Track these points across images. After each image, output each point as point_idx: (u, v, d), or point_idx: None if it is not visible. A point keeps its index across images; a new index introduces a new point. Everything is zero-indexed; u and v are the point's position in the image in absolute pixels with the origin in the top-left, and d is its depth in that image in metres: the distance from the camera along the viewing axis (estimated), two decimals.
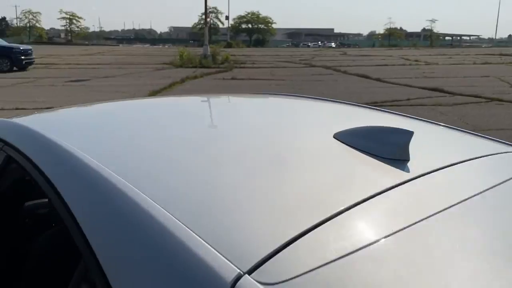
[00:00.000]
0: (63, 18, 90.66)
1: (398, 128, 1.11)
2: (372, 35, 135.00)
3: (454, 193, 0.96)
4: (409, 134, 1.05)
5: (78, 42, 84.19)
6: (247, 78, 17.74)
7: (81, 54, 37.70)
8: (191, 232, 0.73)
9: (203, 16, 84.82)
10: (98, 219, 0.83)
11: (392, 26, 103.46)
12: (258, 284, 0.62)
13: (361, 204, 0.84)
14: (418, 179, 0.97)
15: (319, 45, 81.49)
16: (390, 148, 1.05)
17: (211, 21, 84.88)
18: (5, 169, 1.28)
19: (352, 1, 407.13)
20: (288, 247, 0.70)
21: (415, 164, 1.03)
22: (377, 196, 0.88)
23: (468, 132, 1.52)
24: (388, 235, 0.75)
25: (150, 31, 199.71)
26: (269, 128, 1.42)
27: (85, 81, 16.61)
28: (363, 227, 0.82)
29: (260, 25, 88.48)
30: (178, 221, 0.75)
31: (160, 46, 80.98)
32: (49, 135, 1.15)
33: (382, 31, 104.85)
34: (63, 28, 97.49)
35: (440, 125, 1.60)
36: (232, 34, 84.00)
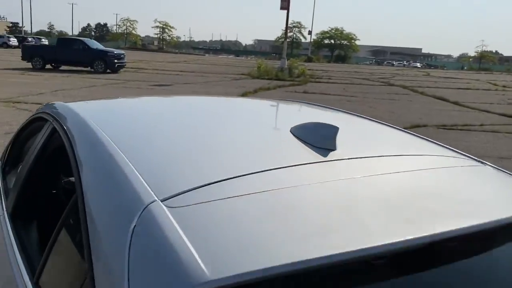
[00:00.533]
0: (157, 26, 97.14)
1: (329, 124, 1.42)
2: (462, 57, 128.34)
3: (354, 172, 1.25)
4: (336, 129, 1.36)
5: (168, 50, 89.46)
6: (318, 93, 17.96)
7: (169, 61, 40.14)
8: (130, 163, 1.14)
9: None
10: (96, 184, 1.21)
11: (485, 49, 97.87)
12: (165, 208, 0.96)
13: (273, 170, 1.17)
14: (333, 162, 1.28)
15: (404, 65, 79.21)
16: (321, 139, 1.37)
17: (294, 35, 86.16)
18: (49, 139, 1.76)
19: (443, 21, 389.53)
20: (200, 188, 1.05)
21: (338, 153, 1.33)
22: (291, 167, 1.21)
23: (413, 134, 1.79)
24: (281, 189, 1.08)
25: (236, 43, 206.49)
26: (243, 118, 1.82)
27: (167, 86, 17.86)
28: (269, 182, 1.14)
29: (343, 41, 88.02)
30: (124, 157, 1.18)
31: (243, 58, 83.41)
32: (85, 116, 1.60)
33: (473, 54, 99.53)
34: (156, 36, 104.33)
35: (387, 125, 1.87)
36: (314, 49, 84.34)
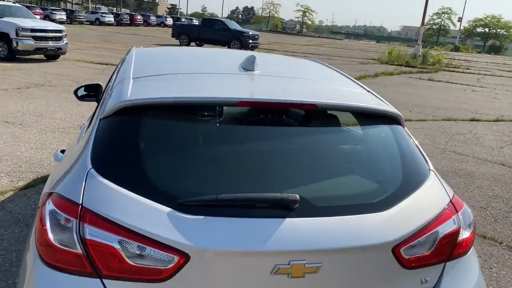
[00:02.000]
0: (298, 10, 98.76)
1: (245, 54, 2.15)
2: None
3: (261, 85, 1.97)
4: (253, 57, 2.07)
5: (307, 34, 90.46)
6: (444, 81, 17.15)
7: (303, 44, 41.05)
8: (132, 70, 2.00)
9: (433, 16, 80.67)
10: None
11: None
12: (132, 80, 1.83)
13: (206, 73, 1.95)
14: (244, 73, 2.01)
15: None
16: (246, 63, 2.10)
17: (442, 22, 79.91)
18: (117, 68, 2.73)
19: None
20: (159, 75, 1.89)
21: (255, 71, 2.06)
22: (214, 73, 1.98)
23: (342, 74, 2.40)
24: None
25: (380, 29, 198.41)
26: (229, 57, 2.61)
27: None
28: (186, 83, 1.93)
29: (499, 30, 78.94)
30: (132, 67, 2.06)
31: (385, 44, 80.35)
32: (138, 51, 2.53)
33: None
34: (296, 20, 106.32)
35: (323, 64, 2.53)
36: (463, 37, 77.40)
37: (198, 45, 26.85)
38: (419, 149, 1.92)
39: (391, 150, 1.87)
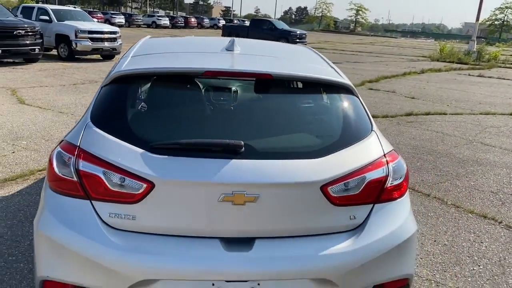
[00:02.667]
0: (351, 9, 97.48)
1: (233, 38, 2.50)
2: None
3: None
4: (233, 40, 2.45)
5: (360, 32, 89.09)
6: (495, 77, 16.61)
7: (353, 42, 40.68)
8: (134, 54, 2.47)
9: (495, 11, 76.52)
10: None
11: None
12: (130, 58, 2.28)
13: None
14: (225, 52, 2.41)
15: None
16: (229, 45, 2.49)
17: (505, 17, 75.79)
18: None
19: None
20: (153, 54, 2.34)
21: (236, 52, 2.44)
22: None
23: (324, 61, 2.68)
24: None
25: (439, 26, 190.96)
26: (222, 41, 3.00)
27: (334, 64, 18.88)
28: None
29: None
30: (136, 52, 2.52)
31: (443, 41, 77.38)
32: (145, 40, 3.00)
33: None
34: (349, 18, 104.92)
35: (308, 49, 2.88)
36: None
37: None
38: (367, 115, 2.24)
39: (337, 113, 2.21)
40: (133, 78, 2.12)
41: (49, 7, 15.81)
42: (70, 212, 1.84)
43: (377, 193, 1.98)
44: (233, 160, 1.83)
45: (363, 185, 1.94)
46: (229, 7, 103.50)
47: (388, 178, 2.00)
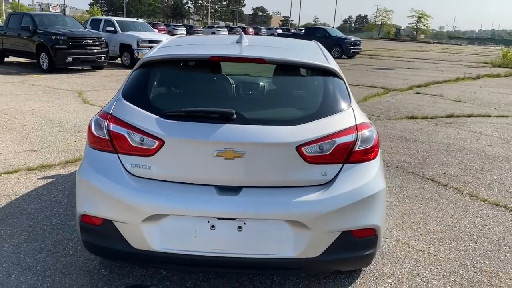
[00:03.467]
0: (412, 16, 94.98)
1: (242, 33, 2.97)
2: None
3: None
4: (242, 33, 2.93)
5: (422, 40, 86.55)
6: None
7: (412, 50, 39.87)
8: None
9: None
10: None
11: None
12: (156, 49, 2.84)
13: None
14: (235, 44, 2.89)
15: None
16: (239, 39, 2.97)
17: None
18: None
19: None
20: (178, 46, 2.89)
21: (244, 44, 2.91)
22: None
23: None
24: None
25: (511, 32, 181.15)
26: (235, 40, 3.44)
27: (386, 70, 18.86)
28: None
29: None
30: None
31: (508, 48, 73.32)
32: (170, 38, 3.56)
33: None
34: (411, 26, 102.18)
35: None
36: None
37: None
38: (348, 94, 2.64)
39: (318, 91, 2.63)
40: (155, 63, 2.67)
41: (114, 19, 17.20)
42: (103, 163, 2.41)
43: (346, 155, 2.38)
44: (226, 125, 2.31)
45: (333, 148, 2.34)
46: (288, 17, 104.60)
47: (356, 143, 2.39)
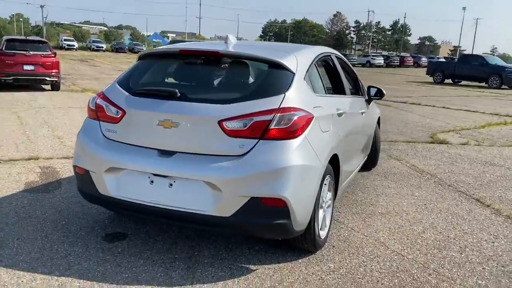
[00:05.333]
0: None
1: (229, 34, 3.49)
2: None
3: None
4: (228, 35, 3.45)
5: None
6: None
7: None
8: None
9: None
10: None
11: None
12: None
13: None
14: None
15: None
16: (227, 39, 3.49)
17: None
18: None
19: None
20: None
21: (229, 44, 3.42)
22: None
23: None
24: None
25: None
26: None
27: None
28: None
29: None
30: None
31: None
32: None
33: None
34: None
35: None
36: None
37: (454, 83, 26.01)
38: (291, 82, 2.95)
39: (259, 79, 3.02)
40: (145, 57, 3.42)
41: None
42: (90, 128, 3.20)
43: (261, 132, 2.71)
44: (170, 101, 2.89)
45: (249, 125, 2.71)
46: (459, 47, 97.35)
47: (272, 122, 2.71)
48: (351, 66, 4.99)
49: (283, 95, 2.88)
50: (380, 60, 49.96)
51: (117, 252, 3.11)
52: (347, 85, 4.25)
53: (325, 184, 3.17)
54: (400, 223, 3.89)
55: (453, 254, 3.33)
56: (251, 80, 3.13)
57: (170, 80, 3.32)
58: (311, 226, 3.00)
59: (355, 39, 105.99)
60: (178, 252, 3.15)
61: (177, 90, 2.91)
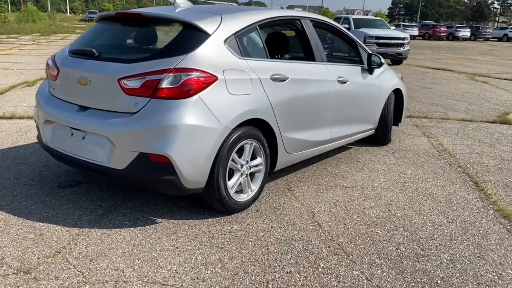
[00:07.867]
0: None
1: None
2: None
3: None
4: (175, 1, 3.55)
5: None
6: None
7: None
8: None
9: None
10: None
11: None
12: None
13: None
14: None
15: None
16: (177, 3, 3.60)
17: None
18: None
19: None
20: None
21: (177, 7, 3.55)
22: None
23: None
24: None
25: None
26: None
27: None
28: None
29: None
30: None
31: None
32: None
33: None
34: None
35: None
36: None
37: None
38: (197, 45, 2.96)
39: (169, 40, 3.06)
40: (98, 19, 3.69)
41: (351, 17, 18.13)
42: (44, 85, 3.62)
43: (152, 91, 2.81)
44: (88, 60, 3.14)
45: (142, 83, 2.82)
46: None
47: (161, 82, 2.78)
48: (347, 33, 4.70)
49: (185, 55, 2.92)
50: None
51: (58, 197, 3.51)
52: (317, 51, 4.03)
53: (239, 148, 3.16)
54: (354, 198, 3.67)
55: (378, 231, 3.08)
56: (163, 41, 3.22)
57: (105, 41, 3.56)
58: (213, 186, 3.04)
59: (499, 10, 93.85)
60: (108, 201, 3.43)
61: (94, 50, 3.14)
